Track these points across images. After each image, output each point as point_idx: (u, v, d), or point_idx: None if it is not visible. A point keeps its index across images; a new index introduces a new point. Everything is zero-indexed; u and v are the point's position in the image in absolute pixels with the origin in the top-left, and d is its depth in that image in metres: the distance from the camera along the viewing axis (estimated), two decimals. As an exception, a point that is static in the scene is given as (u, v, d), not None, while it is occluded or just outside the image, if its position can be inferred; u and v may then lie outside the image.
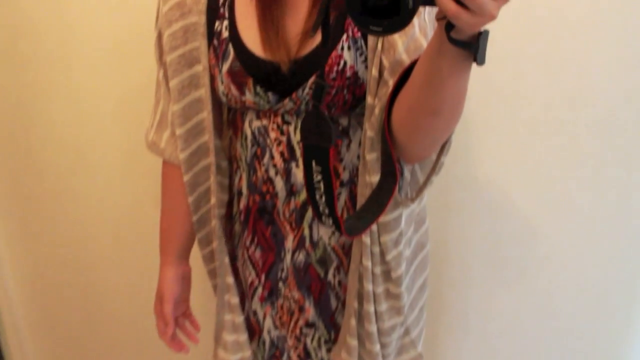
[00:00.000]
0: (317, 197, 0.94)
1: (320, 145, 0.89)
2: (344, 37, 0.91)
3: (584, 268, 1.44)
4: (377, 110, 0.90)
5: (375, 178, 0.94)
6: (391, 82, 0.87)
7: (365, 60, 0.92)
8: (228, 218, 1.15)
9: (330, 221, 0.96)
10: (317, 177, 0.93)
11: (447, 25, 0.67)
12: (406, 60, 0.87)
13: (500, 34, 1.26)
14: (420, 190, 0.99)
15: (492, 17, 0.61)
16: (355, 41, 0.91)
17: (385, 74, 0.89)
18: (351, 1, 0.61)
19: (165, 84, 1.05)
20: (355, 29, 0.91)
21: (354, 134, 0.99)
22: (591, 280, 1.44)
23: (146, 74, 1.40)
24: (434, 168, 0.96)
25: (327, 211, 0.95)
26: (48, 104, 1.54)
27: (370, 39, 0.90)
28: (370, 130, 0.91)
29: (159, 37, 1.04)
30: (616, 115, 1.31)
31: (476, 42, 0.67)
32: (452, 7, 0.60)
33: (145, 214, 1.59)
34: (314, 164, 0.92)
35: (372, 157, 0.93)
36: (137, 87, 1.46)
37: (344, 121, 0.98)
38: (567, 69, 1.29)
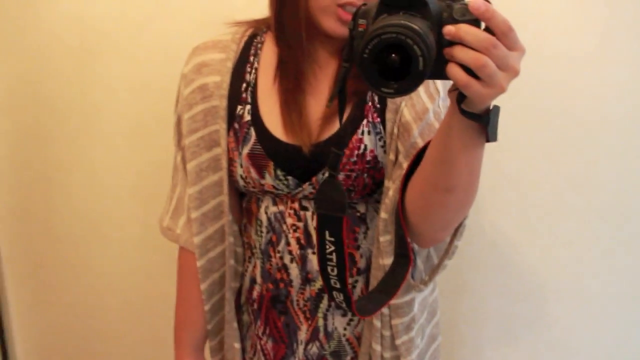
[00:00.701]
0: (329, 269, 0.92)
1: (334, 214, 0.88)
2: (364, 122, 0.93)
3: (596, 354, 1.43)
4: (391, 192, 0.91)
5: (388, 260, 0.93)
6: (405, 165, 0.89)
7: (384, 145, 0.94)
8: (236, 308, 1.12)
9: (342, 297, 0.94)
10: (330, 248, 0.91)
11: (458, 97, 0.68)
12: (420, 144, 0.88)
13: (510, 124, 1.30)
14: (433, 273, 0.98)
15: (501, 89, 0.63)
16: (374, 126, 0.94)
17: (400, 157, 0.91)
18: (364, 64, 0.62)
19: (183, 167, 1.06)
20: (375, 115, 0.94)
21: (371, 222, 1.00)
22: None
23: (164, 152, 1.44)
24: (448, 251, 0.95)
25: (338, 285, 0.93)
26: (68, 177, 1.58)
27: (388, 124, 0.93)
28: (384, 212, 0.92)
29: (178, 121, 1.05)
30: (625, 201, 1.33)
31: (487, 115, 0.69)
32: (462, 77, 0.62)
33: (157, 288, 1.60)
34: (327, 234, 0.90)
35: (386, 239, 0.93)
36: (155, 164, 1.51)
37: (361, 208, 1.00)
38: (574, 157, 1.32)
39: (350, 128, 0.93)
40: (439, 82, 0.95)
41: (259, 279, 1.06)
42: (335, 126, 0.94)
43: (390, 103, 0.94)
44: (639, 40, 1.26)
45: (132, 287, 1.63)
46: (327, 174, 0.90)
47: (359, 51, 0.62)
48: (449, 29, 0.62)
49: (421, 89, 0.93)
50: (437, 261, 1.00)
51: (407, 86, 0.63)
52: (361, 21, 0.68)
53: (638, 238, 1.35)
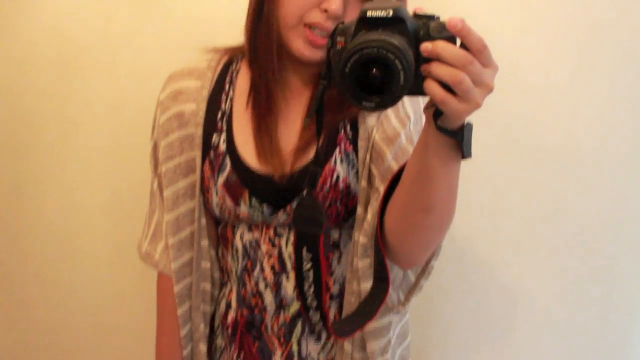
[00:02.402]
0: (306, 287, 0.94)
1: (311, 231, 0.90)
2: (337, 151, 0.95)
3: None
4: (369, 216, 0.91)
5: (367, 285, 0.93)
6: (382, 189, 0.89)
7: (357, 173, 0.96)
8: (210, 331, 1.11)
9: (318, 316, 0.95)
10: (307, 266, 0.92)
11: (435, 113, 0.70)
12: (395, 167, 0.89)
13: (482, 157, 1.33)
14: (410, 293, 0.99)
15: (476, 105, 0.65)
16: (347, 155, 0.96)
17: (376, 182, 0.92)
18: (345, 78, 0.64)
19: (160, 194, 1.06)
20: (347, 143, 0.96)
21: (345, 247, 1.01)
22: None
23: (140, 170, 1.43)
24: (424, 271, 0.97)
25: (314, 304, 0.94)
26: (41, 190, 1.57)
27: (361, 152, 0.95)
28: (363, 236, 0.92)
29: (155, 148, 1.06)
30: (591, 230, 1.37)
31: (461, 131, 0.70)
32: (440, 92, 0.64)
33: (127, 305, 1.59)
34: (304, 251, 0.92)
35: (365, 263, 0.93)
36: (130, 181, 1.50)
37: (335, 234, 1.01)
38: (544, 189, 1.36)
39: (323, 157, 0.95)
40: (408, 107, 0.97)
41: (234, 304, 1.07)
42: (308, 156, 0.96)
43: (362, 131, 0.96)
44: (609, 76, 1.30)
45: (101, 304, 1.61)
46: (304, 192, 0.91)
47: (341, 65, 0.63)
48: (426, 46, 0.64)
49: (391, 115, 0.95)
50: (414, 282, 1.01)
51: (388, 100, 0.64)
52: (339, 39, 0.70)
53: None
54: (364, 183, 0.94)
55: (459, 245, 1.41)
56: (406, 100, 0.97)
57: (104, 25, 1.44)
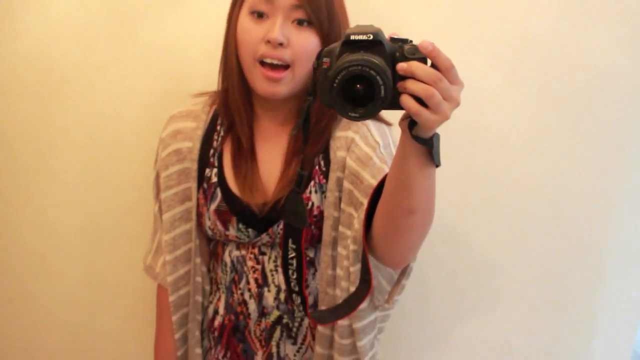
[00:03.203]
0: (290, 273, 1.09)
1: (296, 224, 1.02)
2: (312, 183, 1.11)
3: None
4: (356, 226, 1.02)
5: (354, 288, 1.03)
6: (365, 202, 1.00)
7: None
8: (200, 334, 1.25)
9: (299, 299, 1.10)
10: (291, 254, 1.08)
11: (409, 124, 0.79)
12: (374, 183, 1.00)
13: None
14: (393, 292, 1.10)
15: (446, 116, 0.75)
16: (321, 186, 1.11)
17: (360, 199, 1.03)
18: (334, 92, 0.73)
19: (160, 216, 1.20)
20: (322, 176, 1.11)
21: (319, 264, 1.14)
22: None
23: (114, 196, 1.55)
24: (404, 272, 1.07)
25: (297, 288, 1.10)
26: (16, 211, 1.61)
27: (330, 182, 1.09)
28: (352, 244, 1.03)
29: (157, 177, 1.20)
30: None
31: (432, 140, 0.80)
32: (414, 105, 0.74)
33: (100, 324, 1.64)
34: (290, 242, 1.07)
35: (356, 268, 1.04)
36: (104, 206, 1.57)
37: (310, 253, 1.15)
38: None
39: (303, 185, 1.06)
40: (376, 135, 1.10)
41: (221, 310, 1.20)
42: (287, 189, 1.07)
43: (333, 163, 1.09)
44: (593, 147, 1.40)
45: (75, 324, 1.65)
46: (280, 226, 1.08)
47: (329, 81, 0.74)
48: (401, 65, 0.75)
49: (361, 142, 1.08)
50: (395, 281, 1.10)
51: (371, 111, 0.75)
52: (325, 59, 0.79)
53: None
54: (343, 205, 1.07)
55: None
56: (373, 130, 1.11)
57: (83, 54, 1.50)
